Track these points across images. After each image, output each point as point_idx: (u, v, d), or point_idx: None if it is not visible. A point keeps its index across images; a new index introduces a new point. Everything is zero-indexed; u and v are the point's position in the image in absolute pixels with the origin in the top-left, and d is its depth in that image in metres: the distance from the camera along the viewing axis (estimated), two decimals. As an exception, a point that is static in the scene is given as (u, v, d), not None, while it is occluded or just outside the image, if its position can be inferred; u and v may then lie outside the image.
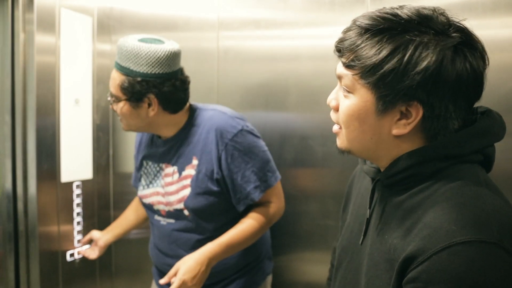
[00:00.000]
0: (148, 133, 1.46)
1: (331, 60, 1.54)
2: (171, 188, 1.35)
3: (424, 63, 0.65)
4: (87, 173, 1.75)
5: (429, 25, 0.67)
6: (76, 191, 1.68)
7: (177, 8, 1.78)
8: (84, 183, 1.72)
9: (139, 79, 1.24)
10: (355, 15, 1.61)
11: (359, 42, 0.69)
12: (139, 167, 1.47)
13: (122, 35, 1.85)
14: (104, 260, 1.78)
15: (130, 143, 1.89)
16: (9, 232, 1.60)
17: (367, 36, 0.69)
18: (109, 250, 1.70)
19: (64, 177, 1.63)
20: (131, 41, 1.25)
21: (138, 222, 1.63)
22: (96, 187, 1.79)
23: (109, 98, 1.33)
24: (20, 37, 1.54)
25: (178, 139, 1.35)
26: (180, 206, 1.33)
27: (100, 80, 1.79)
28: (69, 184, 1.65)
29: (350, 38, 0.71)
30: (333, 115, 0.79)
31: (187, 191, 1.32)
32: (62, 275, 1.64)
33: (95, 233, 1.64)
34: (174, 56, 1.27)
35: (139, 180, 1.47)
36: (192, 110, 1.37)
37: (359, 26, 0.70)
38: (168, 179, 1.36)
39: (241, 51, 1.69)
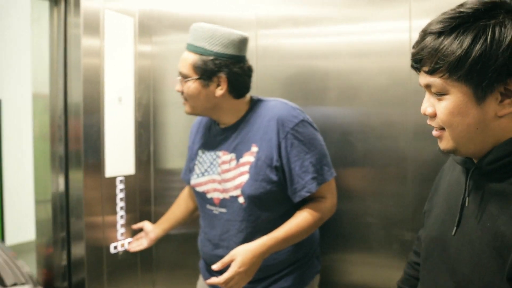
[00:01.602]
0: (205, 123, 1.50)
1: (371, 56, 1.53)
2: (228, 175, 1.37)
3: (508, 39, 0.69)
4: (130, 169, 1.80)
5: (497, 8, 0.72)
6: (119, 186, 1.74)
7: (215, 7, 1.81)
8: (127, 178, 1.78)
9: (212, 57, 1.29)
10: (396, 10, 1.58)
11: (437, 45, 0.73)
12: (194, 157, 1.50)
13: (162, 36, 1.91)
14: (145, 253, 1.83)
15: (170, 140, 1.94)
16: (61, 223, 1.69)
17: (443, 37, 0.73)
18: (150, 244, 1.75)
19: (108, 172, 1.69)
20: (207, 24, 1.32)
21: (184, 217, 1.67)
22: (138, 183, 1.85)
23: (178, 78, 1.37)
24: (71, 40, 1.62)
25: (238, 127, 1.38)
26: (237, 192, 1.35)
27: (141, 80, 1.85)
28: (113, 179, 1.72)
29: (427, 46, 0.74)
30: (431, 122, 0.80)
31: (244, 178, 1.33)
32: (106, 267, 1.71)
33: (147, 225, 1.69)
34: (245, 41, 1.34)
35: (192, 169, 1.49)
36: (253, 102, 1.42)
37: (431, 33, 0.74)
38: (225, 166, 1.38)
39: (280, 48, 1.70)
